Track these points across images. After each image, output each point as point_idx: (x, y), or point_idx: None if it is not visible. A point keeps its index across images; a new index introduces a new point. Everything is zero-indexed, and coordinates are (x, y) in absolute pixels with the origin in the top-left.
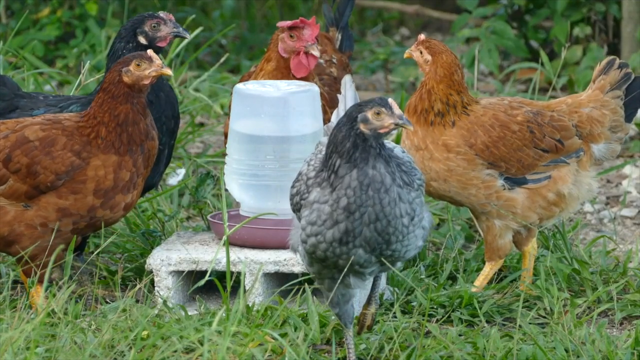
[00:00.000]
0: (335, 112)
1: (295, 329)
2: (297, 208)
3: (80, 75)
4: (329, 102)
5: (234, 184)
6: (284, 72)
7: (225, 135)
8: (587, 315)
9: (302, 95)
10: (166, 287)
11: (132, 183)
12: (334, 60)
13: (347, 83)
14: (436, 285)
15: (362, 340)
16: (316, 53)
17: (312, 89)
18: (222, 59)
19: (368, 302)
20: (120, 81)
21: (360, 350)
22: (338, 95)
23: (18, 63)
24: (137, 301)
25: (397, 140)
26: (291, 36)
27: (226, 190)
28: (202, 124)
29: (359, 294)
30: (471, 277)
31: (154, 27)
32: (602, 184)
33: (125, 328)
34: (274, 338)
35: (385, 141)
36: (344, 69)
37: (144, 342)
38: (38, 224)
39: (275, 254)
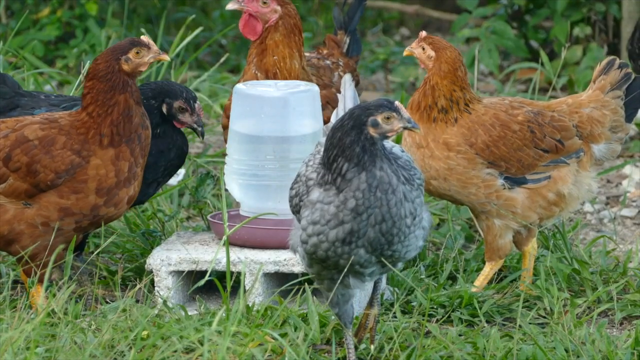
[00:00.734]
0: (334, 112)
1: (295, 329)
2: (296, 209)
3: (80, 75)
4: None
5: (234, 184)
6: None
7: (224, 127)
8: (587, 315)
9: (302, 95)
10: (166, 287)
11: (132, 174)
12: (341, 63)
13: (347, 82)
14: (436, 285)
15: (363, 340)
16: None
17: (312, 89)
18: (222, 59)
19: (370, 303)
20: (120, 70)
21: (361, 350)
22: (338, 94)
23: (18, 63)
24: (137, 301)
25: (398, 139)
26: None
27: (226, 190)
28: None
29: (359, 294)
30: (471, 277)
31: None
32: (602, 184)
33: (125, 328)
34: (274, 338)
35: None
36: (351, 73)
37: (144, 342)
38: (39, 223)
39: (275, 254)
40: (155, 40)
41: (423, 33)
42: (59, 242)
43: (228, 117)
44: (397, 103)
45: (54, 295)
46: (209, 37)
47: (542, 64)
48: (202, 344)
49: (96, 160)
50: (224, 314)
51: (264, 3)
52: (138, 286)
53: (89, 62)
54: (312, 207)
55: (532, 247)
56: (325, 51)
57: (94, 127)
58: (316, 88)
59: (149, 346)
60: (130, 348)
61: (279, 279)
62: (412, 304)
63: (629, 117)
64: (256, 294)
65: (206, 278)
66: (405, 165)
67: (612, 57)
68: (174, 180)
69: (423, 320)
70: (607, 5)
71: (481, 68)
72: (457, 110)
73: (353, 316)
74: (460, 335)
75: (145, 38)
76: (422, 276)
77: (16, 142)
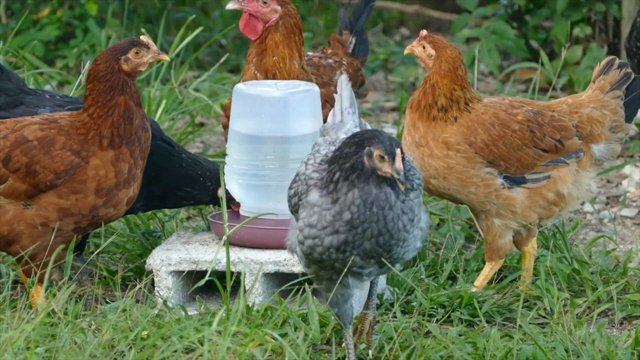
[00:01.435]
0: (331, 112)
1: (295, 329)
2: (295, 209)
3: (80, 76)
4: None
5: (234, 184)
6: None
7: (224, 126)
8: (587, 315)
9: (302, 95)
10: (166, 287)
11: (132, 175)
12: (344, 62)
13: (343, 82)
14: (436, 285)
15: (363, 340)
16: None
17: (312, 89)
18: (222, 59)
19: (366, 307)
20: (120, 70)
21: (361, 350)
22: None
23: (18, 63)
24: (137, 301)
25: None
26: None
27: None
28: (202, 124)
29: (359, 294)
30: (471, 277)
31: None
32: (602, 184)
33: (125, 328)
34: (274, 338)
35: None
36: (354, 72)
37: (144, 342)
38: (39, 224)
39: (275, 254)
40: (155, 40)
41: (424, 32)
42: (58, 242)
43: (228, 117)
44: (397, 150)
45: (54, 295)
46: (209, 37)
47: (542, 64)
48: (202, 344)
49: (96, 160)
50: (224, 314)
51: (264, 3)
52: (138, 286)
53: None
54: (310, 209)
55: (532, 247)
56: (329, 51)
57: (94, 128)
58: (316, 88)
59: (149, 346)
60: (130, 348)
61: (279, 279)
62: (412, 304)
63: (629, 117)
64: (256, 294)
65: (206, 278)
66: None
67: (611, 57)
68: None
69: (423, 320)
70: (607, 5)
71: (481, 68)
72: (457, 109)
73: (352, 316)
74: (460, 335)
75: (144, 38)
76: (422, 276)
77: (16, 143)
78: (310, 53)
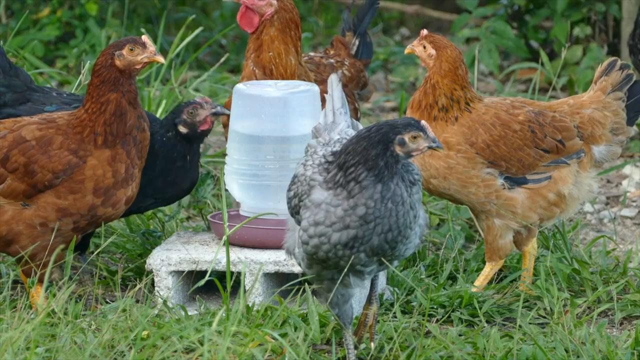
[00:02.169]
0: (322, 113)
1: (295, 329)
2: (295, 211)
3: (80, 75)
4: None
5: (234, 184)
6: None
7: (224, 125)
8: (587, 315)
9: (302, 95)
10: (166, 287)
11: (130, 175)
12: (346, 62)
13: (334, 82)
14: (436, 285)
15: (363, 340)
16: None
17: (312, 89)
18: (222, 59)
19: (369, 301)
20: (112, 65)
21: (361, 350)
22: (325, 94)
23: (18, 63)
24: (137, 301)
25: None
26: None
27: (226, 190)
28: None
29: (358, 294)
30: (471, 277)
31: (191, 112)
32: (602, 184)
33: (125, 328)
34: (274, 338)
35: None
36: (357, 74)
37: (144, 342)
38: (38, 224)
39: (275, 254)
40: (155, 41)
41: (424, 31)
42: (58, 242)
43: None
44: (423, 122)
45: (54, 295)
46: (209, 37)
47: (542, 64)
48: (202, 344)
49: (93, 160)
50: (224, 314)
51: None
52: (138, 286)
53: (89, 62)
54: (315, 207)
55: (532, 247)
56: (332, 52)
57: (90, 125)
58: (316, 88)
59: (149, 346)
60: (130, 348)
61: (279, 279)
62: (412, 304)
63: (631, 121)
64: (256, 294)
65: (206, 278)
66: (404, 164)
67: (613, 58)
68: None
69: (423, 320)
70: (607, 5)
71: (481, 68)
72: (457, 109)
73: (352, 316)
74: (460, 335)
75: (144, 38)
76: (422, 276)
77: (14, 143)
78: (312, 53)
